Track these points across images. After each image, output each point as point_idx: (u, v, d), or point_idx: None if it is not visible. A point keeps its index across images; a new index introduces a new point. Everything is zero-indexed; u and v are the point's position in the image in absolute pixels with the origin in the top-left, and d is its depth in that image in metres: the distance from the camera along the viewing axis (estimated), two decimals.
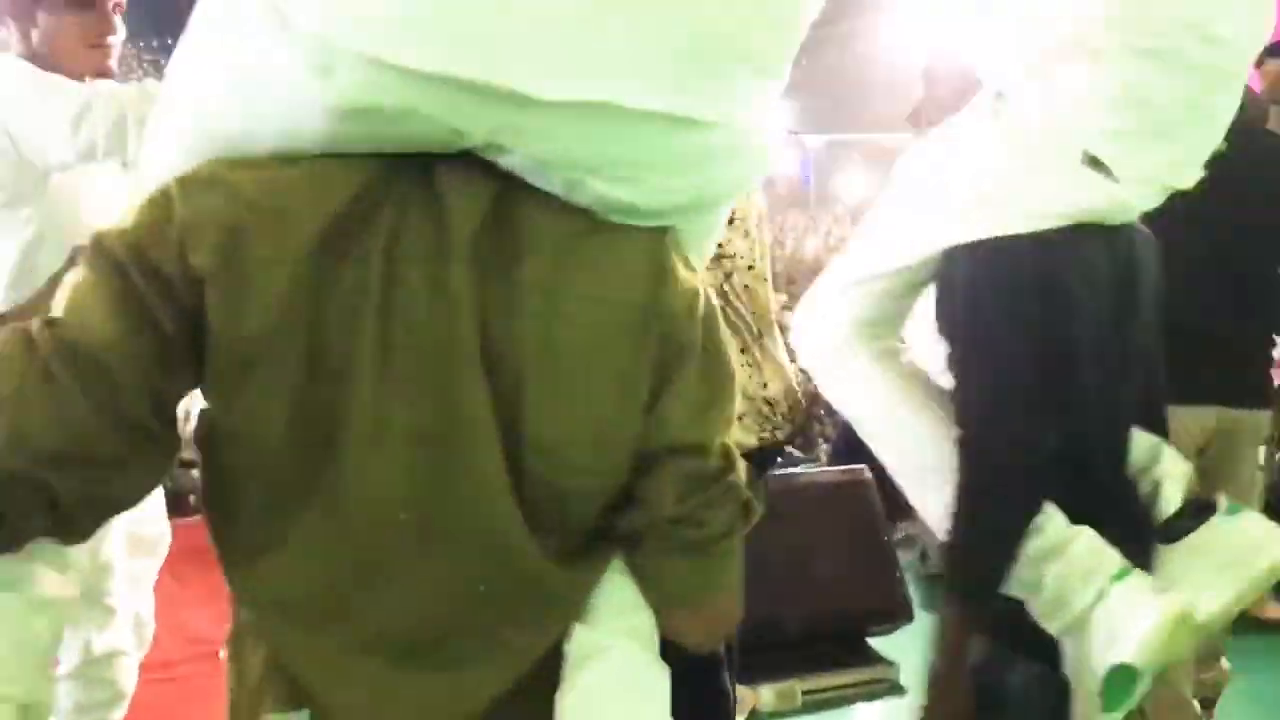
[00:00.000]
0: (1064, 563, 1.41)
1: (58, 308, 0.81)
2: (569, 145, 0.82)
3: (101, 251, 0.81)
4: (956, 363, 1.49)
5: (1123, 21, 1.38)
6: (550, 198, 0.86)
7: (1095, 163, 1.43)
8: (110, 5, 2.09)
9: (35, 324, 0.80)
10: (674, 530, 0.91)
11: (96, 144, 1.93)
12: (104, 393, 0.78)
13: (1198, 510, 1.56)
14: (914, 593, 3.54)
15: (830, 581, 3.35)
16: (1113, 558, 1.43)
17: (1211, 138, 1.51)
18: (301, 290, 0.80)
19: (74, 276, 0.82)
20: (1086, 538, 1.44)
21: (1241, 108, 2.79)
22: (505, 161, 0.84)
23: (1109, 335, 1.51)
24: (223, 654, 3.47)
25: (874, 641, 3.45)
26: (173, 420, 0.84)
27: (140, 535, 2.21)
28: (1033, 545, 1.43)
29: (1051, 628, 1.45)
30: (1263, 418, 2.82)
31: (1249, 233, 2.72)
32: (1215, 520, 1.53)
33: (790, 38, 0.91)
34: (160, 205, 0.82)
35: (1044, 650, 1.47)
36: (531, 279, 0.84)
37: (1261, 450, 2.90)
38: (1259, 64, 3.79)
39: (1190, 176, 1.51)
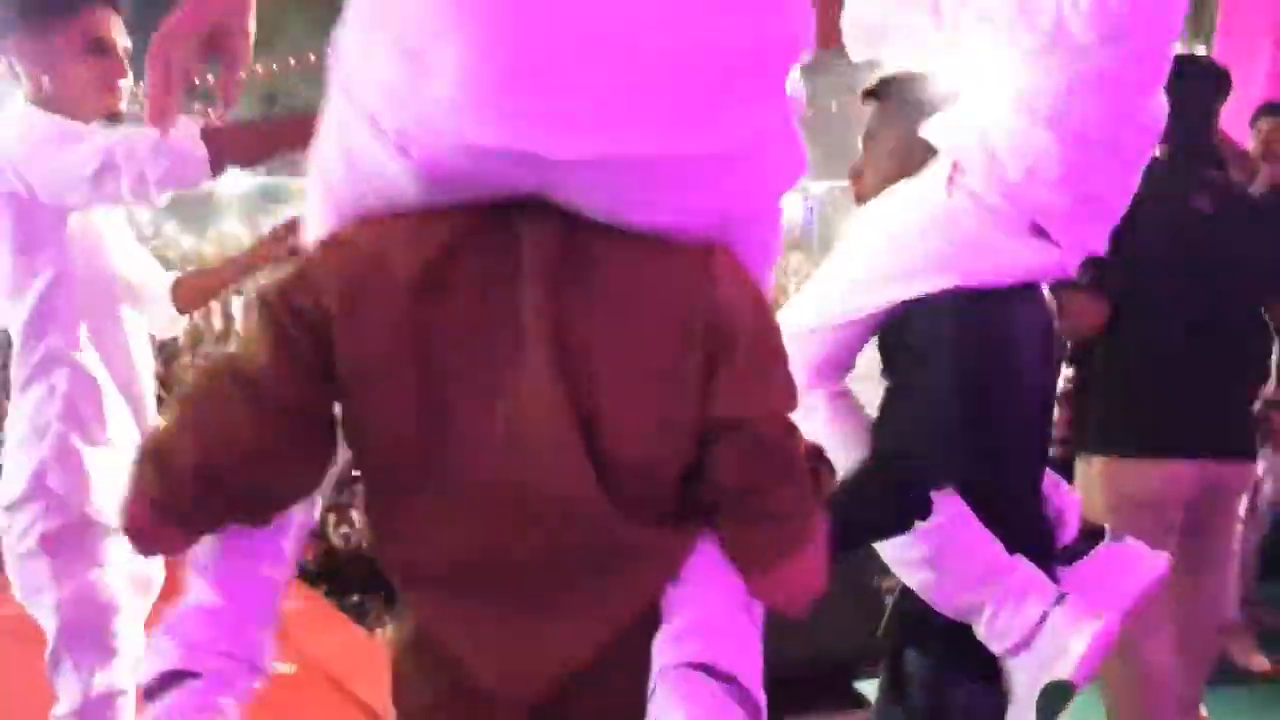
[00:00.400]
0: (1008, 588, 1.58)
1: (235, 344, 1.05)
2: (598, 189, 0.99)
3: (263, 299, 1.04)
4: (890, 392, 1.66)
5: (1071, 113, 1.58)
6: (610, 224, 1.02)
7: (1039, 231, 1.63)
8: (121, 50, 2.14)
9: (219, 357, 1.04)
10: (742, 499, 1.04)
11: (121, 196, 1.96)
12: (262, 407, 1.01)
13: (1089, 537, 1.79)
14: None
15: (817, 624, 3.37)
16: (1050, 584, 1.61)
17: (1124, 210, 1.71)
18: (406, 320, 1.00)
19: (246, 318, 1.05)
20: (1026, 566, 1.61)
21: (1227, 167, 2.87)
22: (561, 201, 1.01)
23: (1037, 380, 1.73)
24: None
25: (861, 685, 3.46)
26: (321, 429, 1.05)
27: (136, 574, 2.21)
28: (979, 570, 1.59)
29: (995, 647, 1.61)
30: (1247, 469, 2.87)
31: (1233, 290, 2.77)
32: (1104, 546, 1.77)
33: (777, 71, 1.04)
34: (306, 261, 1.06)
35: (984, 668, 1.63)
36: (597, 291, 1.01)
37: (1243, 500, 2.94)
38: (1251, 123, 3.84)
39: (1104, 245, 1.73)
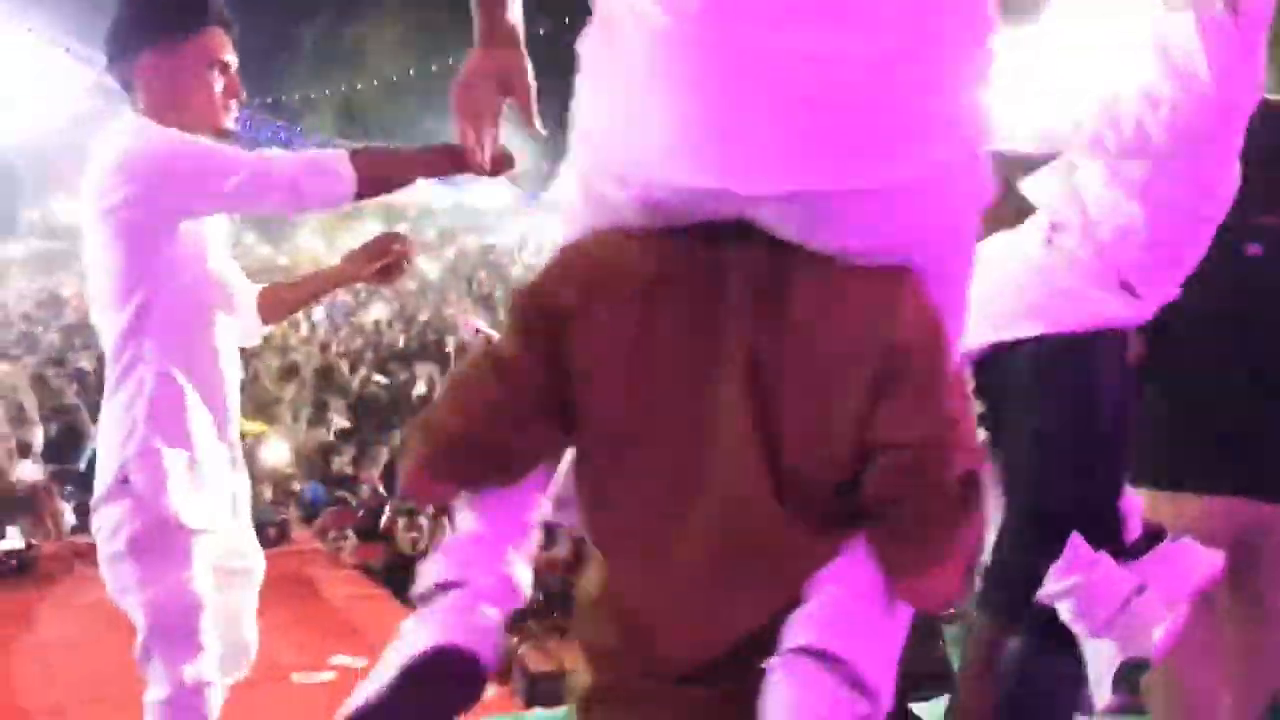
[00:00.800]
0: (1094, 579, 1.81)
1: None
2: (790, 218, 1.13)
3: (516, 297, 1.27)
4: (1011, 433, 1.89)
5: (1159, 189, 1.80)
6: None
7: (1126, 285, 1.86)
8: (234, 69, 2.22)
9: (489, 345, 1.28)
10: (894, 513, 1.15)
11: (264, 206, 2.08)
12: (506, 382, 1.20)
13: (1151, 537, 2.01)
14: (956, 662, 3.58)
15: None
16: (1130, 577, 1.84)
17: (1196, 263, 1.94)
18: (630, 323, 1.16)
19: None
20: (1108, 560, 1.83)
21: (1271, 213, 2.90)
22: (761, 226, 1.15)
23: (1121, 409, 1.97)
24: (295, 678, 3.60)
25: (916, 707, 3.51)
26: (554, 406, 1.21)
27: (230, 568, 2.28)
28: (1069, 564, 1.81)
29: (1080, 628, 1.83)
30: None
31: None
32: (1165, 544, 1.99)
33: (963, 108, 1.14)
34: (551, 265, 1.25)
35: (1067, 643, 1.86)
36: (789, 313, 1.13)
37: None
38: None
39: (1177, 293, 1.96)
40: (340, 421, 8.73)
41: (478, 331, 2.07)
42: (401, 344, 12.23)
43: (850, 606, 1.15)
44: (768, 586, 1.17)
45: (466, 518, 1.27)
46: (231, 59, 2.22)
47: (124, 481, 2.10)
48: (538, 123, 1.57)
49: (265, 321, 2.46)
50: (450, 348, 11.52)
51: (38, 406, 7.39)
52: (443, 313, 14.44)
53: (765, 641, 1.16)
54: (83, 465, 7.06)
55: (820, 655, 1.12)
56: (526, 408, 1.20)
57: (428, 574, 1.24)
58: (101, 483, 2.14)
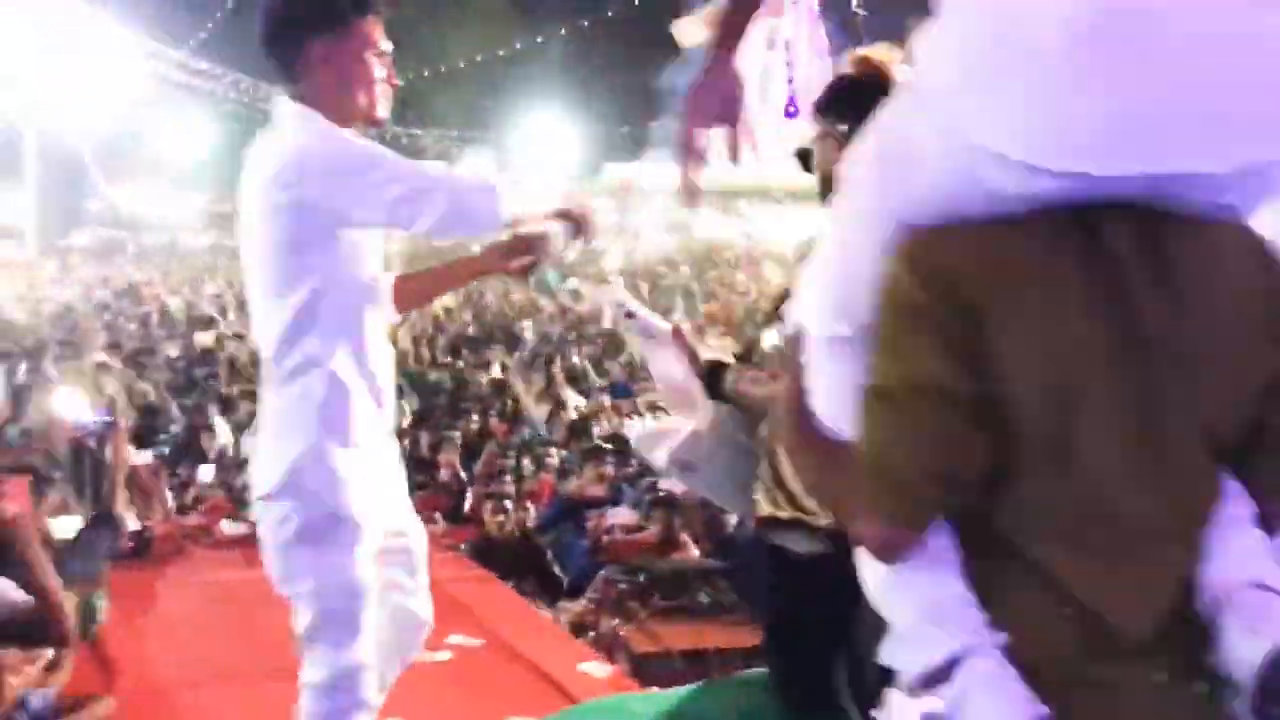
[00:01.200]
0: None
1: (884, 364, 1.21)
2: (1202, 190, 1.18)
3: (906, 306, 1.19)
4: None
5: None
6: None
7: None
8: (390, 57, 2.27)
9: (879, 387, 1.20)
10: None
11: (414, 225, 2.10)
12: (948, 400, 1.17)
13: None
14: None
15: None
16: None
17: None
18: (1035, 313, 1.17)
19: (886, 328, 1.21)
20: None
21: None
22: (1146, 201, 1.19)
23: None
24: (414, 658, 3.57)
25: None
26: (986, 415, 1.18)
27: (392, 548, 2.31)
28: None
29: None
30: None
31: None
32: None
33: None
34: (921, 269, 1.20)
35: None
36: (1176, 275, 1.18)
37: None
38: None
39: None
40: (413, 406, 8.86)
41: (621, 304, 2.01)
42: (472, 331, 12.38)
43: (1262, 541, 1.24)
44: (1200, 539, 1.23)
45: (929, 579, 1.25)
46: (388, 46, 2.24)
47: (294, 479, 2.14)
48: (745, 155, 1.54)
49: (400, 310, 2.48)
50: (530, 332, 11.67)
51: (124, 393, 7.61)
52: (510, 299, 14.57)
53: (1192, 596, 1.23)
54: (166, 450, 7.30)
55: (1264, 588, 1.21)
56: (974, 424, 1.18)
57: (930, 647, 1.22)
58: (268, 478, 2.17)
